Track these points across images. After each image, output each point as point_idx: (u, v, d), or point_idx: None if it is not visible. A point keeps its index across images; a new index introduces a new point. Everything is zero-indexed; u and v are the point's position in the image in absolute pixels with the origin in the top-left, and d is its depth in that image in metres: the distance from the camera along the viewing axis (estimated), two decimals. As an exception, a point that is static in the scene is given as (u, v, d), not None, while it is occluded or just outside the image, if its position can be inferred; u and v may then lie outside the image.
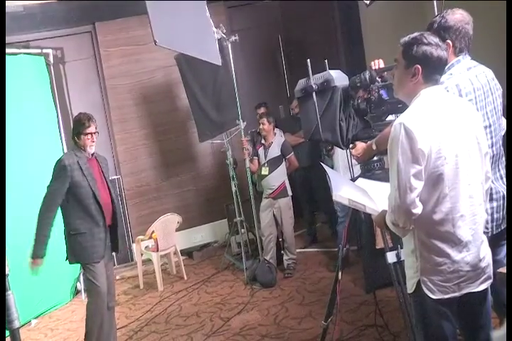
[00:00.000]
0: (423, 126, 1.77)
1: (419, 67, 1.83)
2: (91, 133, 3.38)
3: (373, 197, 2.30)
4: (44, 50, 5.51)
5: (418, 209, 1.78)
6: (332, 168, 4.69)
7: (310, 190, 5.53)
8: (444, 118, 1.82)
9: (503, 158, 2.30)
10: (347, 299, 3.90)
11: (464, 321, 2.01)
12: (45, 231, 3.23)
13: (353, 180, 2.67)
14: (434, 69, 1.86)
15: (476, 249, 1.86)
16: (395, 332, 3.22)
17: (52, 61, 5.59)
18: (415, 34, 1.87)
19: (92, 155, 3.47)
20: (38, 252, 3.22)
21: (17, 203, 4.35)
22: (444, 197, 1.80)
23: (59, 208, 3.36)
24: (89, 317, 3.39)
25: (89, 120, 3.39)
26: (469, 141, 1.86)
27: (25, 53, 5.20)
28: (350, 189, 2.48)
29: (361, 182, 2.58)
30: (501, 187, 2.24)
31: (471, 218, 1.85)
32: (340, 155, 4.55)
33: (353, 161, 4.25)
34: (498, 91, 2.27)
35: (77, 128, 3.41)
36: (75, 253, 3.36)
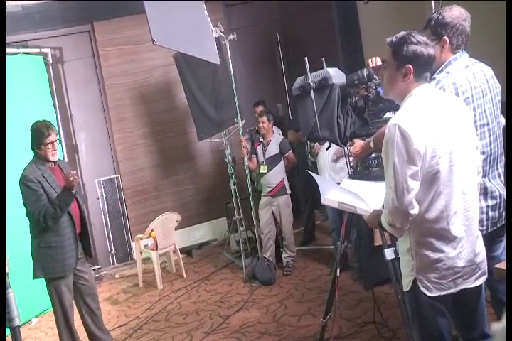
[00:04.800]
0: (417, 126, 1.76)
1: (411, 66, 1.83)
2: (51, 143, 3.18)
3: (363, 197, 2.28)
4: (43, 50, 5.54)
5: (415, 210, 1.78)
6: (316, 166, 4.72)
7: (311, 189, 5.53)
8: (438, 117, 1.82)
9: (502, 156, 2.29)
10: (346, 296, 3.92)
11: (459, 317, 2.03)
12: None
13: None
14: (424, 67, 1.86)
15: (470, 244, 1.87)
16: (394, 328, 3.24)
17: (50, 60, 5.62)
18: (402, 33, 1.86)
19: (55, 163, 3.30)
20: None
21: (16, 203, 4.34)
22: (438, 195, 1.81)
23: (26, 218, 3.24)
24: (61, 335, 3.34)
25: (48, 128, 3.20)
26: (462, 136, 1.86)
27: (23, 53, 5.21)
28: (338, 192, 2.47)
29: (347, 183, 2.58)
30: (498, 186, 2.23)
31: (464, 214, 1.86)
32: (324, 154, 4.53)
33: (330, 162, 4.26)
34: (496, 89, 2.25)
35: (36, 138, 3.19)
36: (45, 266, 3.19)
